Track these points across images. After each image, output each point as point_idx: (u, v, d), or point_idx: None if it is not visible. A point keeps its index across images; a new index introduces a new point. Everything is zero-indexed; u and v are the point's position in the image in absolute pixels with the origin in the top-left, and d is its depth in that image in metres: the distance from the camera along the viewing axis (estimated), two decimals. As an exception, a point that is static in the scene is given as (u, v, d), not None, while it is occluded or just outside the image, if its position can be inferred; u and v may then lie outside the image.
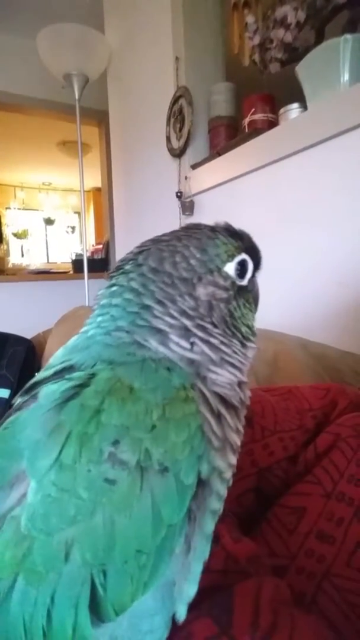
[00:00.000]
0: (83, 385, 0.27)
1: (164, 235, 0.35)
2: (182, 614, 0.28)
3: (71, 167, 4.74)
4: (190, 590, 0.29)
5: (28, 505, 0.25)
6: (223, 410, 0.30)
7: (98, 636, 0.26)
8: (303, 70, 1.01)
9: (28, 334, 1.84)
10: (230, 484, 0.31)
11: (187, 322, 0.31)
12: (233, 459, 0.31)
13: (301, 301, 1.10)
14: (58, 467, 0.25)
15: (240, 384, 0.33)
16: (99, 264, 3.19)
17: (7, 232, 6.27)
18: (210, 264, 0.33)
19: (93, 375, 0.28)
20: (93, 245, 3.98)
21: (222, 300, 0.33)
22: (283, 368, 0.80)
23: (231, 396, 0.31)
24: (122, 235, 2.36)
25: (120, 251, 2.49)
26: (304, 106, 1.06)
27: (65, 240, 6.90)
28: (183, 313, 0.31)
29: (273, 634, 0.30)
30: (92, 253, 3.52)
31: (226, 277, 0.33)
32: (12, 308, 2.93)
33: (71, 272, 3.55)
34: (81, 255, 2.53)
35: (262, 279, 0.39)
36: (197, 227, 0.36)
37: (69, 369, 0.30)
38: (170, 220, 1.66)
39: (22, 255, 6.60)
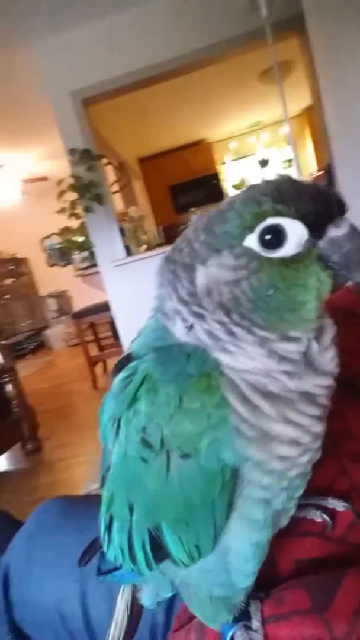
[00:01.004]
0: (133, 374, 0.31)
1: None
2: (240, 584, 0.33)
3: (278, 96, 4.43)
4: (243, 566, 0.32)
5: (112, 464, 0.33)
6: (256, 399, 0.28)
7: (176, 574, 0.35)
8: None
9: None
10: (293, 475, 0.30)
11: (183, 309, 0.30)
12: (287, 451, 0.29)
13: None
14: (117, 444, 0.32)
15: (286, 372, 0.29)
16: (321, 193, 2.90)
17: (227, 187, 6.53)
18: (217, 244, 0.29)
19: (139, 365, 0.31)
20: (312, 174, 3.65)
21: (225, 284, 0.28)
22: None
23: (266, 384, 0.29)
24: (345, 151, 2.05)
25: (346, 171, 2.18)
26: None
27: (283, 177, 6.63)
28: (180, 300, 0.31)
29: None
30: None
31: (241, 253, 0.27)
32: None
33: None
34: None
35: None
36: (234, 198, 0.30)
37: (129, 356, 0.34)
38: None
39: (245, 205, 6.76)
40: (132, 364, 0.33)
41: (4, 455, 2.26)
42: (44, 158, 4.91)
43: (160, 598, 0.41)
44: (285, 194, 0.27)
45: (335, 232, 0.28)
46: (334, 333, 0.31)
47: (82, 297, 4.97)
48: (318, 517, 0.38)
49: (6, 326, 5.38)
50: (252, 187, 0.29)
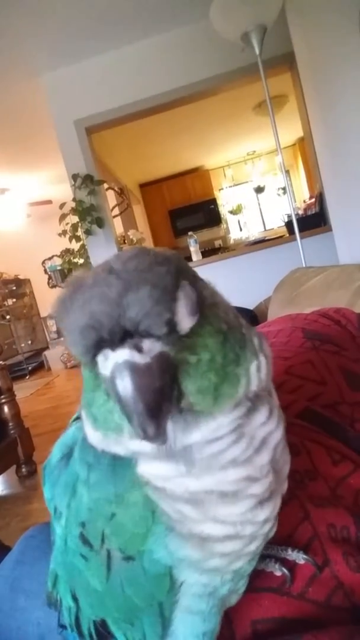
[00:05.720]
0: (69, 454, 0.30)
1: None
2: None
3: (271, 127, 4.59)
4: None
5: (55, 541, 0.32)
6: (174, 503, 0.26)
7: None
8: None
9: (251, 304, 1.93)
10: (239, 565, 0.28)
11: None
12: (229, 546, 0.26)
13: None
14: (58, 525, 0.30)
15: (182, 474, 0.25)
16: (313, 220, 2.99)
17: (224, 212, 6.68)
18: None
19: (75, 442, 0.30)
20: (305, 202, 3.76)
21: None
22: None
23: (173, 488, 0.26)
24: (334, 180, 2.14)
25: (332, 199, 2.26)
26: None
27: (278, 204, 6.80)
28: None
29: None
30: (305, 210, 3.34)
31: None
32: (235, 282, 3.10)
33: (286, 235, 3.48)
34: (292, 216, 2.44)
35: None
36: None
37: (77, 418, 0.33)
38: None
39: (241, 230, 6.90)
40: (69, 435, 0.32)
41: (-2, 479, 2.23)
42: (48, 182, 5.04)
43: None
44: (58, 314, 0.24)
45: (101, 367, 0.23)
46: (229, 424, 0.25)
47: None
48: (277, 570, 0.35)
49: (6, 347, 5.40)
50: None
